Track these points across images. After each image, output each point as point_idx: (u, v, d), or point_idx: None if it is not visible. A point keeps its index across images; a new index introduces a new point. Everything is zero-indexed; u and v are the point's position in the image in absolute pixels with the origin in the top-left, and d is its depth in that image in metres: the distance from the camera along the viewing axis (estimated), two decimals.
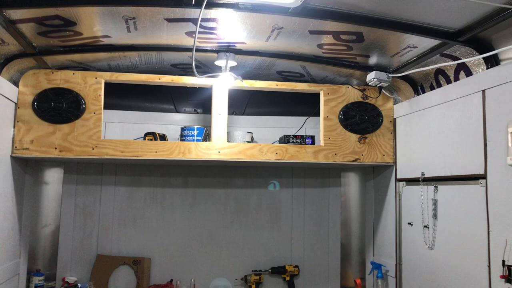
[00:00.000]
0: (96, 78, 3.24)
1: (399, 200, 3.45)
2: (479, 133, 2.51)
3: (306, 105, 3.96)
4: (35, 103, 3.13)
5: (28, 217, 3.52)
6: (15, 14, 2.37)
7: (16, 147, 3.08)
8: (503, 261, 2.27)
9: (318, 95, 3.53)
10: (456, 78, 2.84)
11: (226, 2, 2.29)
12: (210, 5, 2.30)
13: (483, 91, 2.50)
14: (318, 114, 3.56)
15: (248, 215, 4.04)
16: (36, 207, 3.66)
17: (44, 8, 2.32)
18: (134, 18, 2.51)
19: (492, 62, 2.48)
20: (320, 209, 4.13)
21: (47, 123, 3.14)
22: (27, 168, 3.44)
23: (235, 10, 2.36)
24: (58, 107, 3.16)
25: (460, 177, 2.71)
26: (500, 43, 2.40)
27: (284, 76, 3.66)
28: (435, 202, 2.95)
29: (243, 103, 4.10)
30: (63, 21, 2.51)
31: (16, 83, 3.12)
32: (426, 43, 2.67)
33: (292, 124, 4.01)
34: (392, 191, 3.52)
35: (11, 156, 3.07)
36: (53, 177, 3.76)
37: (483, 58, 2.51)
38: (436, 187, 2.95)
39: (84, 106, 3.19)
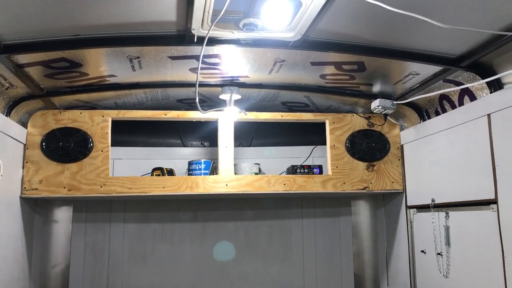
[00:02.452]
0: (103, 116, 3.28)
1: (411, 227, 3.39)
2: (487, 157, 2.49)
3: (313, 134, 3.96)
4: (44, 144, 3.17)
5: (38, 257, 3.51)
6: (23, 58, 2.43)
7: (25, 187, 3.10)
8: None
9: (324, 124, 3.54)
10: (461, 103, 2.84)
11: (227, 38, 2.32)
12: (213, 42, 2.34)
13: (488, 115, 2.49)
14: (325, 143, 3.55)
15: (259, 248, 3.99)
16: (45, 246, 3.66)
17: (50, 52, 2.38)
18: (138, 57, 2.55)
19: (496, 86, 2.48)
20: (331, 239, 4.07)
21: (55, 162, 3.17)
22: (37, 208, 3.46)
23: (237, 46, 2.40)
24: (66, 146, 3.19)
25: (471, 202, 2.67)
26: (502, 67, 2.40)
27: (289, 107, 3.68)
28: (447, 228, 2.90)
29: (250, 135, 4.11)
30: (69, 63, 2.56)
31: (24, 125, 3.17)
32: (428, 69, 2.68)
33: (299, 154, 4.00)
34: (404, 219, 3.48)
35: (20, 197, 3.09)
36: (63, 216, 3.76)
37: (486, 82, 2.50)
38: (447, 213, 2.91)
39: (91, 144, 3.22)
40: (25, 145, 3.15)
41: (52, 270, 3.68)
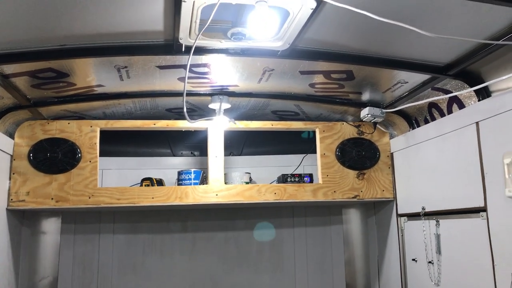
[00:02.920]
0: (91, 126, 3.25)
1: (402, 235, 3.39)
2: (476, 165, 2.49)
3: (303, 143, 3.96)
4: (31, 154, 3.13)
5: (25, 270, 3.45)
6: (8, 68, 2.40)
7: (12, 199, 3.06)
8: None
9: (314, 132, 3.54)
10: (450, 111, 2.85)
11: (216, 48, 2.32)
12: (201, 51, 2.33)
13: (477, 123, 2.49)
14: (315, 152, 3.55)
15: (250, 258, 3.96)
16: (33, 259, 3.59)
17: (37, 62, 2.35)
18: (126, 67, 2.54)
19: (484, 94, 2.49)
20: (322, 248, 4.05)
21: (43, 173, 3.13)
22: (24, 220, 3.41)
23: (225, 55, 2.40)
24: (54, 157, 3.16)
25: (460, 210, 2.67)
26: (489, 75, 2.41)
27: (279, 115, 3.67)
28: (437, 236, 2.90)
29: (240, 144, 4.10)
30: (56, 73, 2.54)
31: (11, 135, 3.13)
32: (417, 78, 2.69)
33: (290, 163, 3.99)
34: (394, 227, 3.47)
35: (7, 209, 3.05)
36: (51, 227, 3.71)
37: (474, 90, 2.52)
38: (437, 221, 2.91)
39: (79, 155, 3.19)
40: (12, 156, 3.11)
41: (40, 283, 3.62)
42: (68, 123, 3.24)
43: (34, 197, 3.09)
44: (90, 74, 2.63)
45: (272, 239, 4.01)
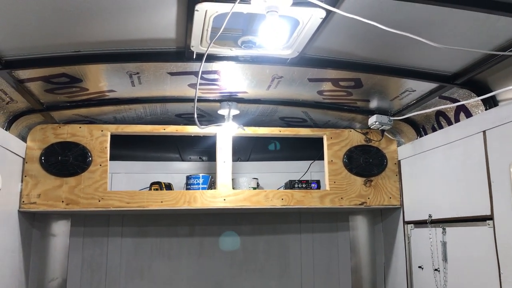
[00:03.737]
0: (102, 131, 3.30)
1: (409, 243, 3.40)
2: (483, 174, 2.51)
3: (311, 149, 3.98)
4: (43, 158, 3.19)
5: (35, 271, 3.50)
6: (24, 74, 2.46)
7: (23, 201, 3.11)
8: None
9: (322, 139, 3.56)
10: (457, 120, 2.87)
11: (226, 55, 2.36)
12: (211, 59, 2.37)
13: (484, 132, 2.51)
14: (322, 158, 3.57)
15: (257, 263, 3.99)
16: (43, 261, 3.64)
17: (51, 67, 2.41)
18: (138, 73, 2.59)
19: (491, 103, 2.51)
20: (329, 254, 4.07)
21: (54, 176, 3.18)
22: (35, 222, 3.46)
23: (235, 62, 2.44)
24: (65, 160, 3.21)
25: (467, 218, 2.68)
26: (496, 85, 2.43)
27: (287, 122, 3.70)
28: (444, 244, 2.91)
29: (248, 149, 4.13)
30: (69, 79, 2.59)
31: (24, 139, 3.19)
32: (424, 86, 2.71)
33: (297, 169, 4.01)
34: (401, 234, 3.48)
35: (18, 211, 3.10)
36: (60, 230, 3.75)
37: (482, 99, 2.53)
38: (444, 229, 2.92)
39: (90, 158, 3.24)
40: (24, 159, 3.16)
41: (49, 284, 3.66)
42: (80, 127, 3.29)
43: (45, 200, 3.14)
44: (103, 79, 2.68)
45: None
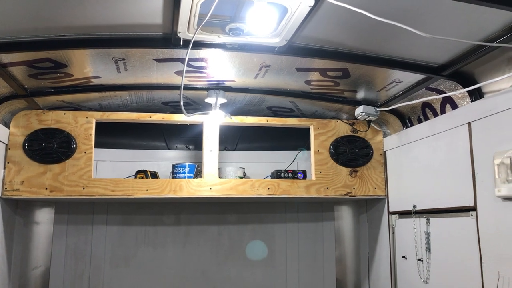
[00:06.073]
0: (87, 117, 3.26)
1: (393, 233, 3.43)
2: (467, 165, 2.53)
3: (298, 139, 3.98)
4: (26, 144, 3.14)
5: (18, 259, 3.47)
6: (6, 57, 2.41)
7: (6, 188, 3.07)
8: None
9: (308, 129, 3.56)
10: (443, 111, 2.89)
11: (213, 42, 2.33)
12: (199, 46, 2.34)
13: (469, 123, 2.53)
14: (309, 148, 3.58)
15: (242, 252, 3.99)
16: (26, 248, 3.61)
17: (35, 52, 2.36)
18: (124, 59, 2.55)
19: (476, 95, 2.53)
20: (314, 244, 4.09)
21: (37, 163, 3.14)
22: (17, 209, 3.42)
23: (223, 50, 2.41)
24: (49, 147, 3.16)
25: (451, 209, 2.71)
26: (482, 77, 2.45)
27: (275, 112, 3.70)
28: (427, 235, 2.94)
29: (235, 139, 4.12)
30: (53, 64, 2.55)
31: (7, 125, 3.14)
32: (411, 77, 2.72)
33: (284, 159, 4.02)
34: (386, 224, 3.51)
35: (0, 198, 3.06)
36: (44, 217, 3.72)
37: (467, 91, 2.55)
38: (428, 219, 2.95)
39: (75, 145, 3.20)
40: (7, 145, 3.11)
41: (32, 272, 3.63)
42: (64, 114, 3.24)
43: (28, 187, 3.09)
44: (88, 65, 2.64)
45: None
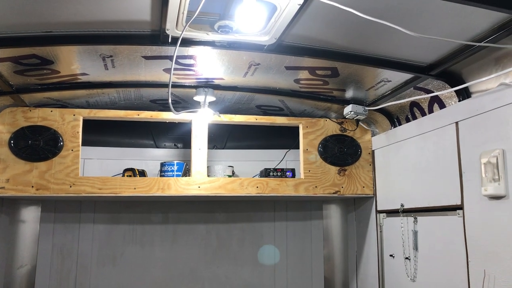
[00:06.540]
0: (74, 115, 3.22)
1: (381, 232, 3.45)
2: (455, 164, 2.55)
3: (287, 138, 3.99)
4: (12, 141, 3.09)
5: (3, 258, 3.42)
6: None
7: None
8: None
9: (298, 128, 3.57)
10: (431, 111, 2.90)
11: (202, 40, 2.32)
12: (187, 43, 2.33)
13: (457, 123, 2.55)
14: (298, 147, 3.58)
15: (230, 251, 3.99)
16: (11, 247, 3.56)
17: (21, 48, 2.33)
18: (111, 56, 2.52)
19: (464, 94, 2.55)
20: (302, 242, 4.10)
21: (23, 161, 3.10)
22: (3, 208, 3.37)
23: (212, 47, 2.40)
24: (35, 145, 3.12)
25: (438, 208, 2.73)
26: (470, 76, 2.47)
27: (264, 110, 3.69)
28: (415, 233, 2.96)
29: (224, 137, 4.11)
30: (40, 60, 2.51)
31: None
32: (400, 77, 2.73)
33: (273, 157, 4.02)
34: (373, 223, 3.53)
35: None
36: (30, 216, 3.67)
37: (455, 91, 2.57)
38: (415, 218, 2.96)
39: (61, 143, 3.16)
40: None
41: (17, 271, 3.59)
42: (51, 111, 3.21)
43: (14, 185, 3.05)
44: (75, 62, 2.61)
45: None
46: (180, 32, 2.10)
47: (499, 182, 2.18)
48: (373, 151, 3.57)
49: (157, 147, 4.01)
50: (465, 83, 2.48)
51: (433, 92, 2.75)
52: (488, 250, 2.27)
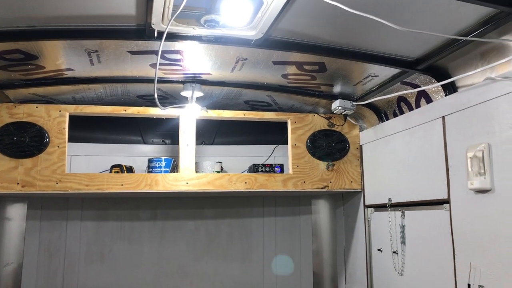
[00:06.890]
0: (60, 111, 3.19)
1: (369, 226, 3.46)
2: (441, 158, 2.56)
3: (275, 134, 3.98)
4: None
5: None
6: None
7: None
8: (469, 285, 2.29)
9: (286, 123, 3.56)
10: (418, 105, 2.92)
11: (189, 34, 2.30)
12: (173, 38, 2.31)
13: (443, 117, 2.56)
14: (286, 142, 3.58)
15: (219, 247, 3.98)
16: None
17: (4, 42, 2.29)
18: (97, 51, 2.50)
19: (450, 89, 2.56)
20: (291, 237, 4.10)
21: (8, 158, 3.06)
22: None
23: (198, 42, 2.38)
24: (20, 141, 3.08)
25: (425, 202, 2.75)
26: (456, 71, 2.48)
27: (252, 106, 3.68)
28: (402, 227, 2.98)
29: (212, 133, 4.09)
30: (24, 55, 2.48)
31: None
32: (387, 71, 2.74)
33: (261, 153, 4.01)
34: (361, 218, 3.54)
35: None
36: (16, 213, 3.61)
37: (442, 85, 2.58)
38: (403, 212, 2.98)
39: (47, 139, 3.13)
40: None
41: (3, 269, 3.54)
42: (36, 107, 3.17)
43: None
44: (60, 57, 2.58)
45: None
46: (166, 27, 2.09)
47: (484, 176, 2.19)
48: (361, 146, 3.58)
49: (145, 143, 3.99)
50: (451, 77, 2.49)
51: (420, 86, 2.76)
52: (474, 243, 2.29)
